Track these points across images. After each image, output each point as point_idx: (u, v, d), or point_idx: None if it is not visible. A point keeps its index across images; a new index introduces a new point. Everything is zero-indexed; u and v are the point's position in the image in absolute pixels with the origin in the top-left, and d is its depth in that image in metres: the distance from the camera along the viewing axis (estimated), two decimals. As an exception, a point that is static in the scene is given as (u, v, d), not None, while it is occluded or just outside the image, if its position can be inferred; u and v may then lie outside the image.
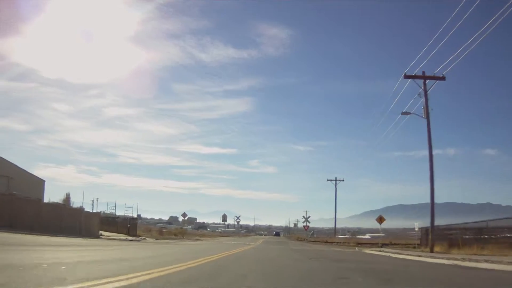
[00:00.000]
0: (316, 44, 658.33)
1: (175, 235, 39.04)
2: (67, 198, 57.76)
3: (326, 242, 50.16)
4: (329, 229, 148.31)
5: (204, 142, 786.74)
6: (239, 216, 57.87)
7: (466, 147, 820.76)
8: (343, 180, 65.72)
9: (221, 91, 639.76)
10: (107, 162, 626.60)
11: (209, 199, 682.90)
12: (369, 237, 64.67)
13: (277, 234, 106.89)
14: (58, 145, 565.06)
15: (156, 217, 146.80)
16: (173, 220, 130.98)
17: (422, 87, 24.97)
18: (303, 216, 59.59)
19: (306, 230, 63.47)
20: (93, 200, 70.37)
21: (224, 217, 53.91)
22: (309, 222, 60.70)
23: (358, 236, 70.54)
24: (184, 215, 46.83)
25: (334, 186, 65.01)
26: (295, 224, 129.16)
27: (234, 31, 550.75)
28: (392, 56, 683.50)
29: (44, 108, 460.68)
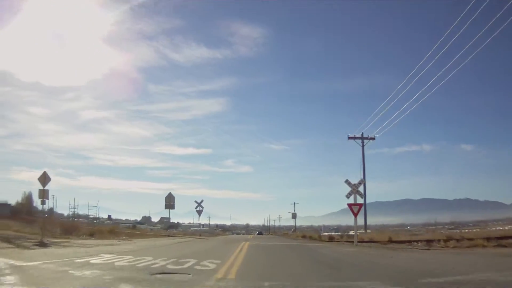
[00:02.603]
0: (290, 43, 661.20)
1: (90, 234, 29.29)
2: (28, 197, 51.19)
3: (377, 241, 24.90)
4: (307, 227, 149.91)
5: (178, 143, 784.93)
6: (201, 202, 43.07)
7: (442, 142, 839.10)
8: (373, 139, 39.39)
9: (194, 92, 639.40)
10: (83, 164, 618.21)
11: (185, 200, 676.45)
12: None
13: (260, 233, 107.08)
14: (34, 149, 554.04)
15: (131, 218, 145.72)
16: (145, 220, 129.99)
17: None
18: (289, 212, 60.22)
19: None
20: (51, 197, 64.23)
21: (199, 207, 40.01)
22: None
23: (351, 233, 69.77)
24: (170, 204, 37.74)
25: (361, 146, 39.41)
26: (274, 221, 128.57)
27: (206, 30, 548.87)
28: (364, 54, 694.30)
29: (20, 112, 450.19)
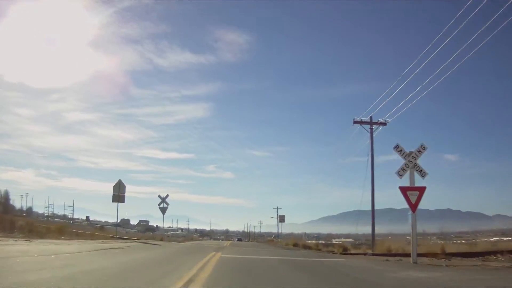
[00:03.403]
0: (275, 49, 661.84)
1: (29, 231, 25.51)
2: (5, 196, 49.87)
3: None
4: (288, 234, 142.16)
5: (161, 147, 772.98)
6: (166, 197, 31.74)
7: (426, 151, 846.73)
8: (385, 124, 30.46)
9: (178, 97, 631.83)
10: (66, 166, 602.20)
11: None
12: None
13: (240, 240, 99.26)
14: (19, 149, 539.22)
15: (111, 221, 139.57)
16: (124, 223, 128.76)
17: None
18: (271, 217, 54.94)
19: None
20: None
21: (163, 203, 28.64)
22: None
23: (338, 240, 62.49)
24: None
25: (370, 132, 30.57)
26: (255, 227, 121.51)
27: (191, 36, 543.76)
28: (352, 61, 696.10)
29: (6, 113, 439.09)
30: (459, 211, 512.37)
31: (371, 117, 29.61)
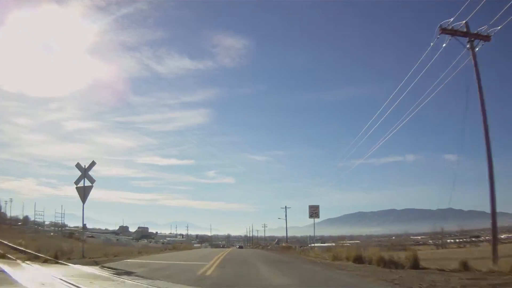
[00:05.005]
0: (273, 54, 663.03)
1: None
2: None
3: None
4: (290, 237, 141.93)
5: (161, 154, 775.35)
6: (92, 166, 22.15)
7: (426, 152, 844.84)
8: (489, 39, 16.76)
9: (178, 103, 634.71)
10: (66, 174, 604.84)
11: (167, 210, 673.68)
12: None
13: (241, 247, 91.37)
14: (18, 158, 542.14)
15: (110, 228, 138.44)
16: (122, 230, 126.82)
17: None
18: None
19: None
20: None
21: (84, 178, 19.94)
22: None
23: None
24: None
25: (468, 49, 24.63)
26: (258, 231, 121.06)
27: (189, 42, 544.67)
28: (350, 65, 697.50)
29: (4, 122, 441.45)
30: (461, 210, 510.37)
31: (467, 25, 16.91)
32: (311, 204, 43.50)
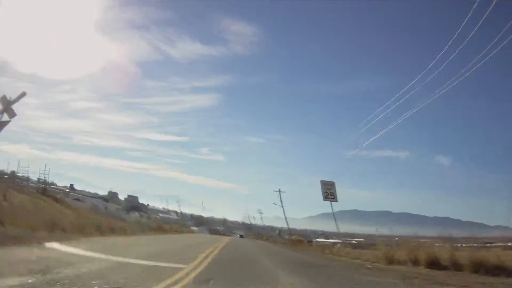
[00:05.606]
0: (285, 43, 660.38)
1: None
2: None
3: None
4: (287, 229, 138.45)
5: (160, 131, 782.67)
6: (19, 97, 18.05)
7: (421, 153, 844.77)
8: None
9: (188, 87, 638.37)
10: (61, 142, 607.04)
11: (157, 181, 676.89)
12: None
13: (242, 236, 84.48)
14: (18, 129, 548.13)
15: (100, 193, 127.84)
16: (112, 196, 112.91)
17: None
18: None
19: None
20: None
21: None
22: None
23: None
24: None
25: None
26: (254, 217, 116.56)
27: (199, 26, 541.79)
28: (361, 56, 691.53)
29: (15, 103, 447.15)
30: (459, 220, 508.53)
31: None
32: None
